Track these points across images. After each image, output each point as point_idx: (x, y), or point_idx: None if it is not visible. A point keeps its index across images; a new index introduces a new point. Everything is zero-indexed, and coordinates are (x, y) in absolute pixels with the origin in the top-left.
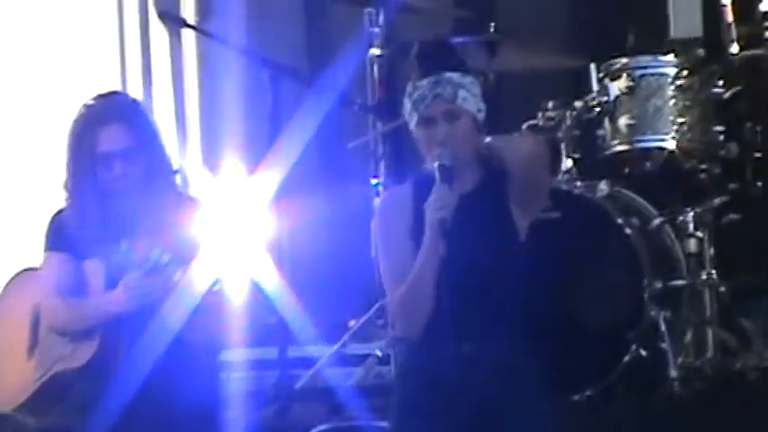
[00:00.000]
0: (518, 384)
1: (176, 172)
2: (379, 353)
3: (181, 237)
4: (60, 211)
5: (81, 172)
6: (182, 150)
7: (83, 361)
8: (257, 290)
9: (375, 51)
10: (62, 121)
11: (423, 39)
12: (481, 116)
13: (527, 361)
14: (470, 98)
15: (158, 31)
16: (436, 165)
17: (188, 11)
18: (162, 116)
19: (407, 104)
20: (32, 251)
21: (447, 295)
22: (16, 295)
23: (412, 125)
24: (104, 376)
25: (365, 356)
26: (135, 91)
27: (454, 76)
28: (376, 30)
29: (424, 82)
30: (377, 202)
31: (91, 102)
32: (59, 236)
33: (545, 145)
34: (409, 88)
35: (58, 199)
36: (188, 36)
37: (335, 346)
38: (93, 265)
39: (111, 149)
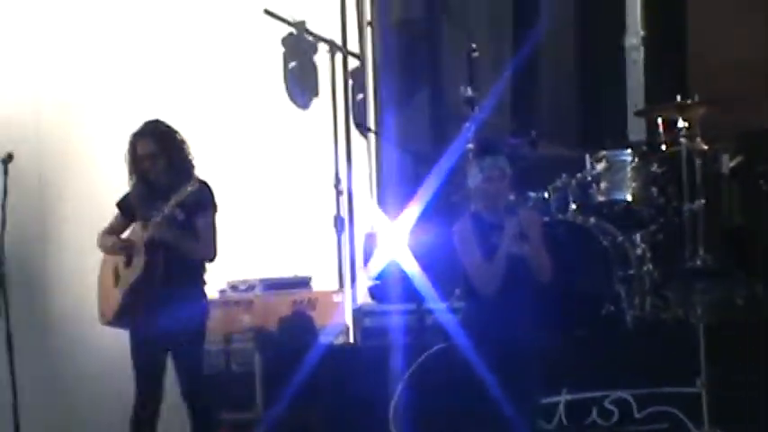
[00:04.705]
0: (531, 326)
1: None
2: None
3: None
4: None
5: (131, 168)
6: (371, 201)
7: (139, 272)
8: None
9: (469, 146)
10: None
11: (480, 138)
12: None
13: (538, 314)
14: (508, 169)
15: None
16: (504, 206)
17: (370, 121)
18: (359, 184)
19: (475, 169)
20: None
21: (505, 277)
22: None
23: (477, 181)
24: (153, 278)
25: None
26: (342, 170)
27: (502, 157)
28: (469, 134)
29: (488, 158)
30: (458, 225)
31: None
32: (124, 202)
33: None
34: (475, 161)
35: None
36: (371, 136)
37: (447, 303)
38: (137, 226)
39: (142, 153)
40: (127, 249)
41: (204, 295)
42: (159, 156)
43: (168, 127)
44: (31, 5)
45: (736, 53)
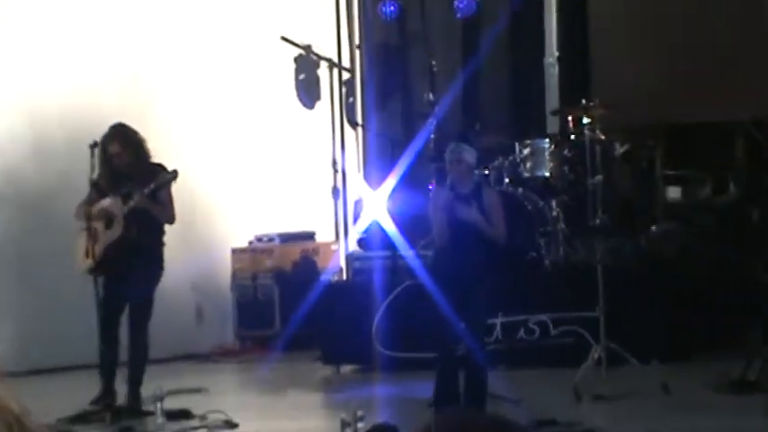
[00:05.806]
0: (477, 268)
1: (148, 158)
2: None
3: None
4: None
5: (101, 161)
6: (359, 176)
7: (119, 233)
8: (381, 228)
9: (431, 136)
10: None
11: (453, 131)
12: (473, 165)
13: (482, 258)
14: (468, 155)
15: (347, 126)
16: (448, 183)
17: (358, 118)
18: (350, 164)
19: (446, 154)
20: None
21: (451, 234)
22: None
23: (447, 164)
24: (128, 238)
25: (426, 255)
26: (338, 153)
27: (463, 145)
28: (431, 127)
29: (452, 144)
30: (431, 194)
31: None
32: (97, 184)
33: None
34: (448, 147)
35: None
36: (359, 129)
37: (414, 251)
38: (114, 200)
39: (112, 152)
40: (109, 215)
41: (162, 258)
42: (124, 152)
43: (131, 130)
44: (27, 13)
45: (629, 68)
